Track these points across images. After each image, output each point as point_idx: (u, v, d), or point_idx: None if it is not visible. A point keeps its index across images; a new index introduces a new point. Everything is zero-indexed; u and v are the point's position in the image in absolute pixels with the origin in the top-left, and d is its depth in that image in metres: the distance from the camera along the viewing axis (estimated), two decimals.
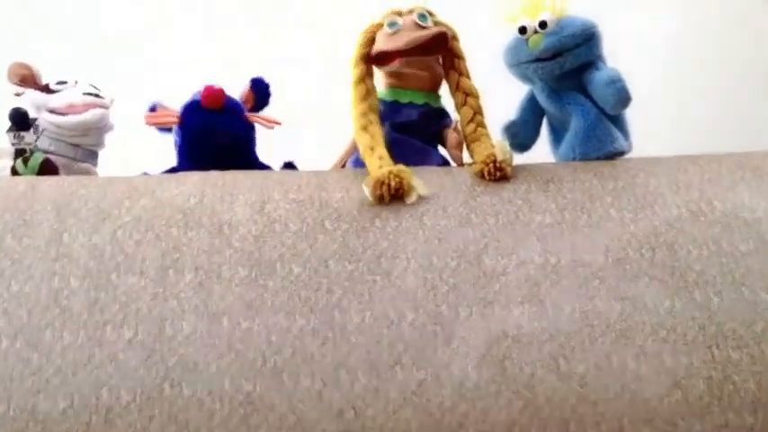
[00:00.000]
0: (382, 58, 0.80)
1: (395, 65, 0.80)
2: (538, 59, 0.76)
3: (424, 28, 0.79)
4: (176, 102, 0.85)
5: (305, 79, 1.31)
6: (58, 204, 0.70)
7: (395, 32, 0.79)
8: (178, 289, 0.64)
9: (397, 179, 0.69)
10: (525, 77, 0.80)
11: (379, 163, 0.72)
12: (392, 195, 0.69)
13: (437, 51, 0.81)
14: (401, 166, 0.71)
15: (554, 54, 0.76)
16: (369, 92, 0.79)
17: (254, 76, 0.88)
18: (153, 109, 0.86)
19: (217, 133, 0.80)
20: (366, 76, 0.80)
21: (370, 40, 0.81)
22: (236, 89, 0.87)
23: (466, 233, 0.67)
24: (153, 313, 0.63)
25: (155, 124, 0.78)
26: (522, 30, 0.77)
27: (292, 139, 0.94)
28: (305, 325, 0.62)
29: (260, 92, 0.87)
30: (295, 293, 0.64)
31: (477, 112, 0.81)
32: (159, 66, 1.36)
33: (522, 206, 0.69)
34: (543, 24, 0.76)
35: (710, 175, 0.72)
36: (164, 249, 0.67)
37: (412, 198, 0.69)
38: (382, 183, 0.69)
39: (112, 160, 0.92)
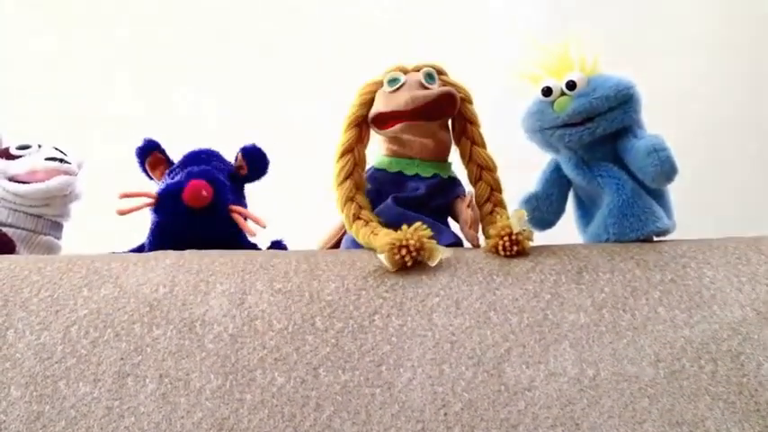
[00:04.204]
0: (380, 122, 0.70)
1: (394, 130, 0.69)
2: (565, 125, 0.66)
3: (428, 89, 0.69)
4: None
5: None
6: (5, 294, 0.60)
7: (395, 90, 0.69)
8: (138, 401, 0.54)
9: (416, 237, 0.60)
10: (549, 145, 0.70)
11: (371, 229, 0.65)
12: (414, 259, 0.60)
13: (442, 115, 0.70)
14: (416, 224, 0.62)
15: (584, 118, 0.65)
16: (356, 164, 0.69)
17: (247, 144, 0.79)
18: (144, 148, 0.76)
19: (192, 233, 0.70)
20: (357, 144, 0.69)
21: (368, 102, 0.70)
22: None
23: (484, 335, 0.56)
24: None
25: (126, 212, 0.68)
26: (547, 91, 0.67)
27: None
28: None
29: (252, 160, 0.77)
30: (277, 410, 0.53)
31: (495, 188, 0.71)
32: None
33: (552, 302, 0.58)
34: (572, 85, 0.66)
35: None
36: (123, 351, 0.56)
37: (437, 259, 0.60)
38: (401, 245, 0.60)
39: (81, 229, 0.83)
